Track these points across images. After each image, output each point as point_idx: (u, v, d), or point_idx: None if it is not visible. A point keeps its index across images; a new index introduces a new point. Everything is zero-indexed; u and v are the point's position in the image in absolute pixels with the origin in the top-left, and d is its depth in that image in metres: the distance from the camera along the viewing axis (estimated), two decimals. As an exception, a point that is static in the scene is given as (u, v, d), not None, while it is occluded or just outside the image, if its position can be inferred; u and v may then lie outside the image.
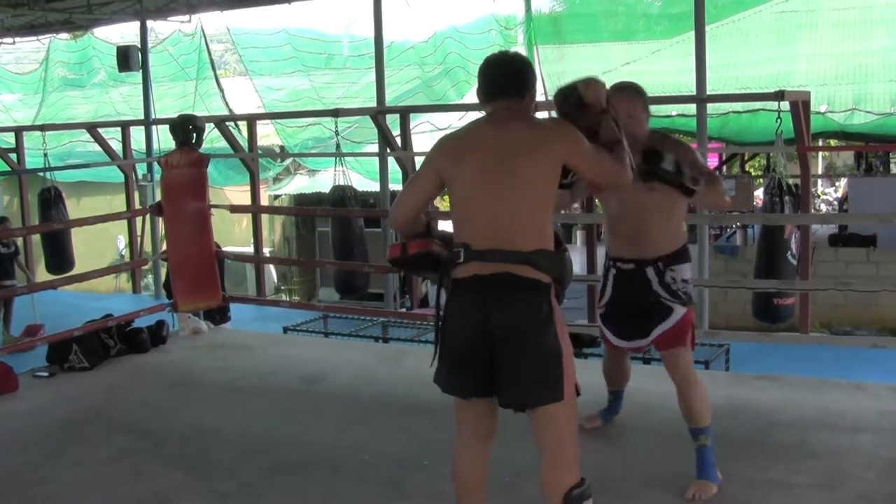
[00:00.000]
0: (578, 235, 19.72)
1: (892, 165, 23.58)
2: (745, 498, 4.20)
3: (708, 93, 9.87)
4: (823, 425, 5.18)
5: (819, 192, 26.70)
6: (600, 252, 12.89)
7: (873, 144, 15.86)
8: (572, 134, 3.45)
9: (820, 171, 28.10)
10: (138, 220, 13.88)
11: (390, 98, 13.24)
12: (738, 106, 13.08)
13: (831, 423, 5.23)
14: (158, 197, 8.20)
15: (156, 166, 12.46)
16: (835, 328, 14.47)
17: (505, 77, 3.51)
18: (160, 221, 9.48)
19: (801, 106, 9.38)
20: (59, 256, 14.35)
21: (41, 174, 15.59)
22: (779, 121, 8.77)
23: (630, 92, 4.47)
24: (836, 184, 28.29)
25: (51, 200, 14.50)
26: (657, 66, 14.92)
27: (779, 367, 6.99)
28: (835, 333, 13.57)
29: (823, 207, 25.48)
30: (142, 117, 14.55)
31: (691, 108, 11.42)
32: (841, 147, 19.12)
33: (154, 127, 14.07)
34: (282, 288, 21.04)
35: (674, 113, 14.03)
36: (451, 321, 3.45)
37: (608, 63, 15.31)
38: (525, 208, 3.33)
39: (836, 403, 5.60)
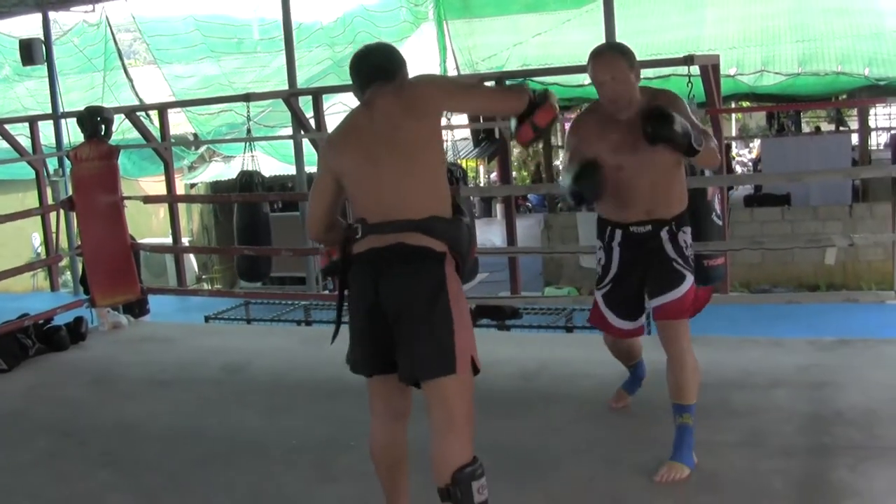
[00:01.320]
0: (498, 208, 19.73)
1: (803, 125, 23.97)
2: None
3: (618, 60, 9.92)
4: (744, 384, 5.27)
5: (734, 153, 27.09)
6: (520, 223, 13.00)
7: (783, 104, 16.13)
8: (431, 81, 3.56)
9: (734, 134, 28.50)
10: (52, 216, 13.64)
11: (302, 80, 13.14)
12: (650, 72, 13.15)
13: (751, 381, 5.32)
14: (71, 191, 8.09)
15: (66, 160, 12.25)
16: (753, 287, 14.71)
17: (369, 65, 3.53)
18: (74, 216, 9.32)
19: (710, 70, 9.47)
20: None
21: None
22: (689, 85, 8.84)
23: (608, 54, 4.27)
24: (750, 145, 28.73)
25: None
26: (567, 37, 14.99)
27: (699, 329, 7.04)
28: (753, 292, 13.80)
29: (738, 169, 25.87)
30: (49, 111, 14.27)
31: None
32: (751, 108, 19.39)
33: (63, 121, 13.81)
34: (203, 277, 20.84)
35: (586, 82, 14.10)
36: (350, 297, 3.46)
37: (518, 35, 15.38)
38: (410, 175, 3.32)
39: (756, 361, 5.70)
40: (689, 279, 4.28)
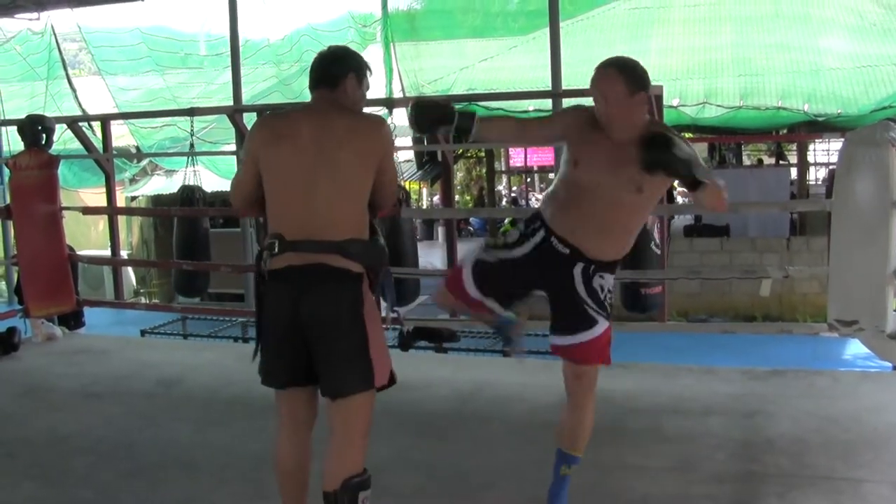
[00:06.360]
0: (440, 231, 19.74)
1: (744, 158, 24.27)
2: (602, 483, 4.28)
3: (563, 88, 9.98)
4: (677, 410, 5.33)
5: (676, 184, 27.38)
6: (461, 247, 13.01)
7: (725, 136, 16.33)
8: (390, 138, 3.59)
9: (675, 165, 28.72)
10: (-13, 224, 13.47)
11: (247, 97, 13.09)
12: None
13: (684, 407, 5.37)
14: (8, 200, 8.00)
15: (5, 168, 12.11)
16: (691, 316, 14.84)
17: (320, 68, 3.60)
18: (11, 225, 9.22)
19: (653, 100, 9.56)
20: None
21: None
22: (633, 115, 8.93)
23: (609, 70, 3.76)
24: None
25: None
26: (513, 63, 15.10)
27: (635, 356, 7.12)
28: (691, 321, 13.92)
29: (680, 199, 26.10)
30: (-10, 119, 14.10)
31: (547, 104, 11.56)
32: (693, 139, 19.56)
33: (3, 128, 13.65)
34: (141, 291, 20.60)
35: (531, 108, 14.20)
36: (267, 312, 3.50)
37: (465, 60, 15.46)
38: (343, 199, 3.38)
39: (689, 388, 5.76)
40: (603, 324, 3.82)
